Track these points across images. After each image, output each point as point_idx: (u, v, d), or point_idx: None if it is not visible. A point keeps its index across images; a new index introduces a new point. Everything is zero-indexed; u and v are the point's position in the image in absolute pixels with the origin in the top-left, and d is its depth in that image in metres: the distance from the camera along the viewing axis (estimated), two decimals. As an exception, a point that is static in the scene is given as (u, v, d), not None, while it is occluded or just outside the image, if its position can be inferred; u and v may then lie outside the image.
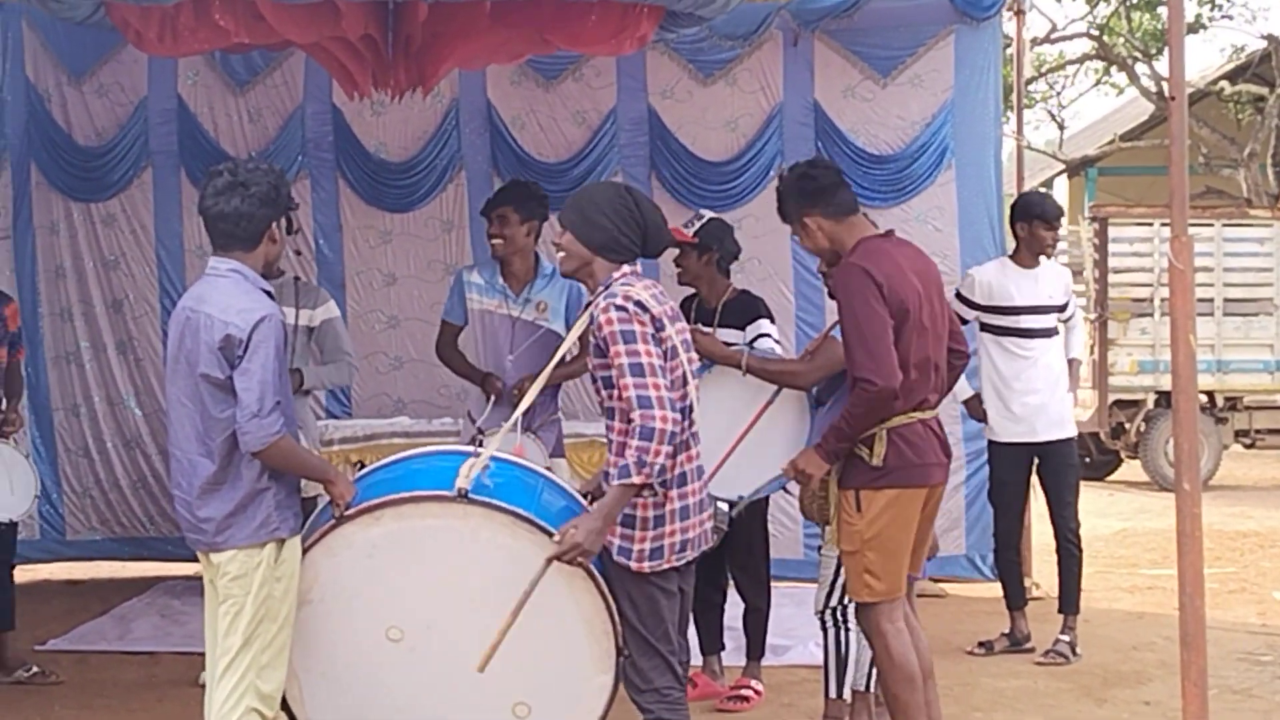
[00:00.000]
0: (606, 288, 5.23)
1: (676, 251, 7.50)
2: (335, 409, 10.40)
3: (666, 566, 5.20)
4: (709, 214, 7.63)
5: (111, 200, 10.53)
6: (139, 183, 10.55)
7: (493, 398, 7.51)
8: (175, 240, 10.58)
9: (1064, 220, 8.64)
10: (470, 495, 5.23)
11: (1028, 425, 8.45)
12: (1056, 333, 8.60)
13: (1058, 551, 8.64)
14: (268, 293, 5.27)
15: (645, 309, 5.14)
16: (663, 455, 4.99)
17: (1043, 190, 9.39)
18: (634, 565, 5.17)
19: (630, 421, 5.04)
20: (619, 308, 5.11)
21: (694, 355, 5.40)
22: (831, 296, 6.86)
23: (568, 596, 5.21)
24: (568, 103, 10.52)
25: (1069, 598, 8.59)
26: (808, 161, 6.21)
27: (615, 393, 5.15)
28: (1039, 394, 8.42)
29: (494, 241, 7.61)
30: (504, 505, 5.25)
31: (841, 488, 5.94)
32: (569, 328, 6.93)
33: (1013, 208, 8.72)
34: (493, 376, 7.59)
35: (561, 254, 5.38)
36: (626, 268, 5.30)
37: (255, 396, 5.02)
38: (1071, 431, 8.58)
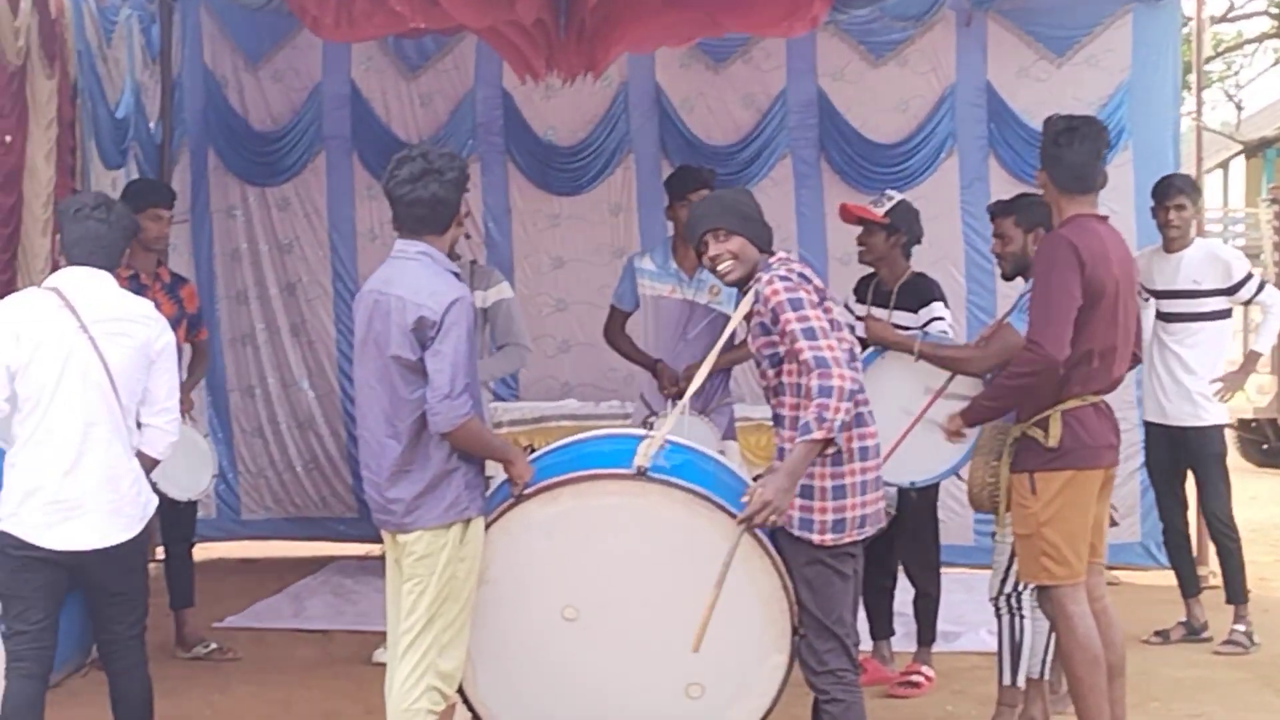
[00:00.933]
0: (766, 270, 5.31)
1: (859, 230, 7.46)
2: (502, 392, 10.43)
3: (848, 540, 5.19)
4: (897, 195, 7.57)
5: (286, 185, 10.70)
6: (312, 167, 10.69)
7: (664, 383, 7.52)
8: (348, 224, 10.71)
9: (1188, 200, 8.31)
10: (649, 474, 5.24)
11: (1160, 407, 8.43)
12: (1208, 318, 8.38)
13: (1213, 541, 8.58)
14: (455, 274, 5.31)
15: (808, 279, 5.24)
16: (842, 412, 4.98)
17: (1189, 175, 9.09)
18: (816, 538, 5.16)
19: (808, 390, 5.01)
20: (783, 278, 5.20)
21: (853, 338, 5.41)
22: (1004, 278, 6.87)
23: (744, 575, 5.17)
24: (737, 85, 10.47)
25: (1232, 587, 8.48)
26: (1074, 125, 5.99)
27: (784, 369, 5.18)
28: (1174, 378, 8.34)
29: None
30: (682, 483, 5.25)
31: (1015, 471, 5.91)
32: (740, 311, 6.94)
33: None
34: (663, 364, 7.57)
35: (731, 261, 5.38)
36: (782, 253, 5.43)
37: (447, 378, 5.05)
38: (1211, 420, 8.39)
